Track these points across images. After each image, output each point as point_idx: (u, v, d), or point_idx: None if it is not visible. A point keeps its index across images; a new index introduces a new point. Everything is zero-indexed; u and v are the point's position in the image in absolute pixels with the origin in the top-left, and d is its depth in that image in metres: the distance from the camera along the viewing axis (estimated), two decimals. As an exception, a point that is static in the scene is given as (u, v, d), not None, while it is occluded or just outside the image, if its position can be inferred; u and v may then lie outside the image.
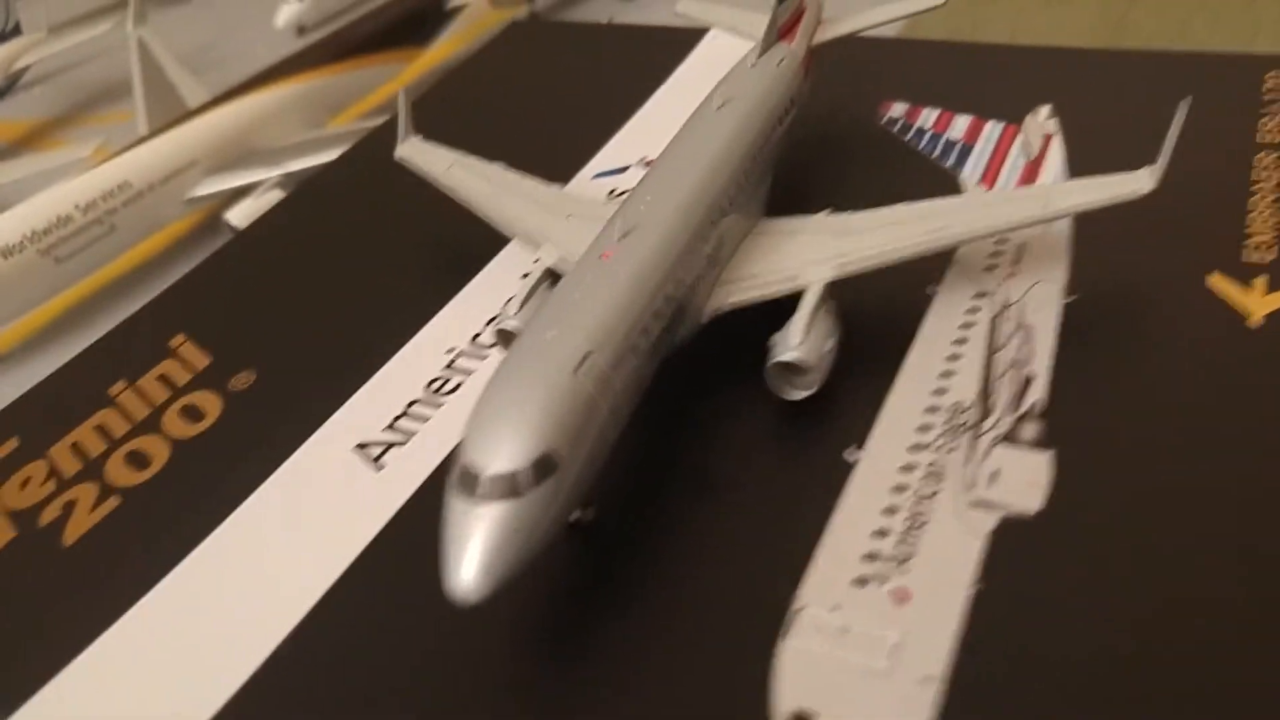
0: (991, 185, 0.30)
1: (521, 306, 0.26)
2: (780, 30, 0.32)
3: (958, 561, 0.20)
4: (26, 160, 0.61)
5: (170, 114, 0.58)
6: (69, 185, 0.49)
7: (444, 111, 0.39)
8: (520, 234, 0.28)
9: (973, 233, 0.25)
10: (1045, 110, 0.33)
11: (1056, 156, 0.31)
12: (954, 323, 0.25)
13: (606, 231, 0.24)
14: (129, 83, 0.61)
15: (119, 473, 0.26)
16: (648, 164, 0.34)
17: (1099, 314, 0.25)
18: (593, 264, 0.23)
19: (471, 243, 0.31)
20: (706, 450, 0.23)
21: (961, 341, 0.25)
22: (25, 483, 0.26)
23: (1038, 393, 0.23)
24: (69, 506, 0.25)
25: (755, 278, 0.25)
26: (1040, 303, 0.25)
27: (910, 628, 0.19)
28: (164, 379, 0.29)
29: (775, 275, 0.25)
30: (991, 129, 0.33)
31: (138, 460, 0.26)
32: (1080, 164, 0.30)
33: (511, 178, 0.30)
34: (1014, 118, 0.33)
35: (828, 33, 0.33)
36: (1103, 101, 0.33)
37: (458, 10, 0.67)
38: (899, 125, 0.34)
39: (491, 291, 0.29)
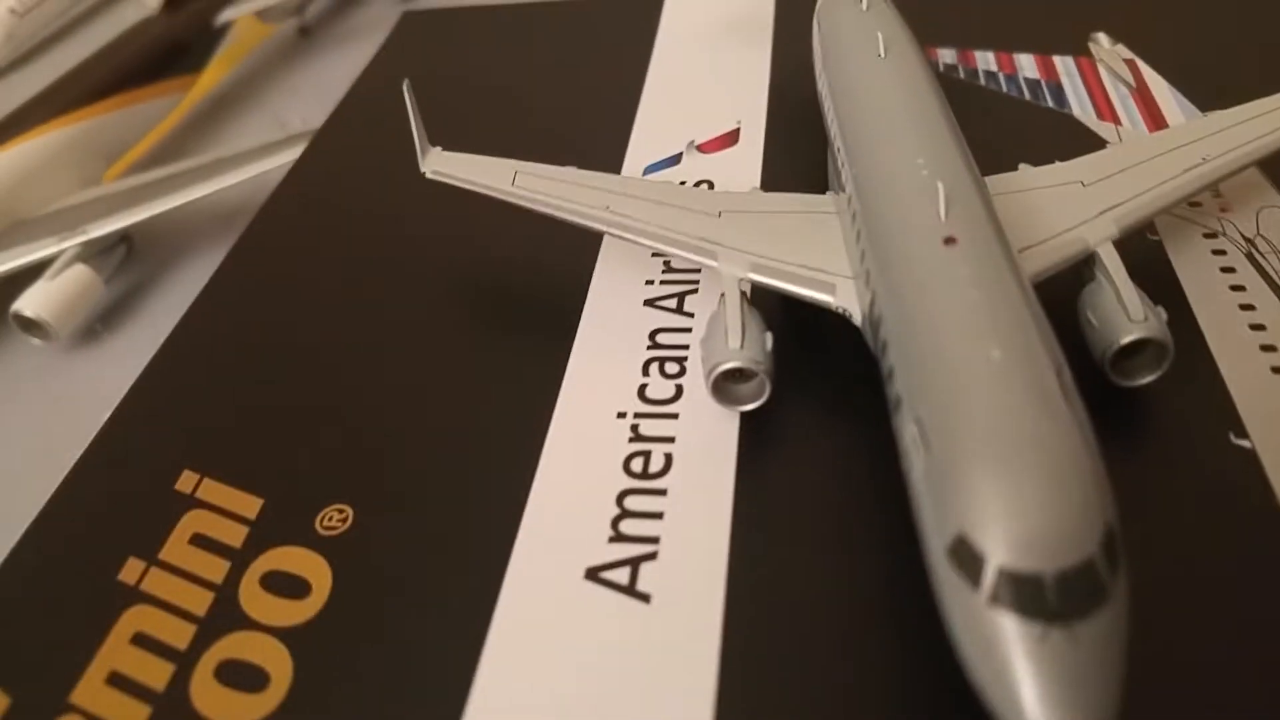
0: (1113, 118, 0.27)
1: (743, 338, 0.19)
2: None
3: None
4: None
5: None
6: None
7: (383, 124, 0.30)
8: (669, 244, 0.22)
9: (1247, 156, 0.21)
10: (1104, 37, 0.31)
11: (1160, 82, 0.28)
12: (1213, 267, 0.22)
13: (898, 210, 0.18)
14: None
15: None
16: (700, 149, 0.28)
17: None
18: (941, 254, 0.17)
19: (545, 268, 0.24)
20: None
21: (1239, 288, 0.21)
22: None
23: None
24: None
25: (1041, 243, 0.20)
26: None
27: None
28: (199, 540, 0.19)
29: (1052, 243, 0.20)
30: (1065, 63, 0.30)
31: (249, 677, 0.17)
32: (1186, 87, 0.28)
33: (601, 178, 0.23)
34: (1075, 50, 0.30)
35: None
36: (1149, 20, 0.31)
37: (224, 29, 0.57)
38: (960, 72, 0.30)
39: (619, 330, 0.23)
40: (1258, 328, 0.21)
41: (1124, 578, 0.13)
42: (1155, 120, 0.27)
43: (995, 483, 0.13)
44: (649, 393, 0.21)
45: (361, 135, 0.31)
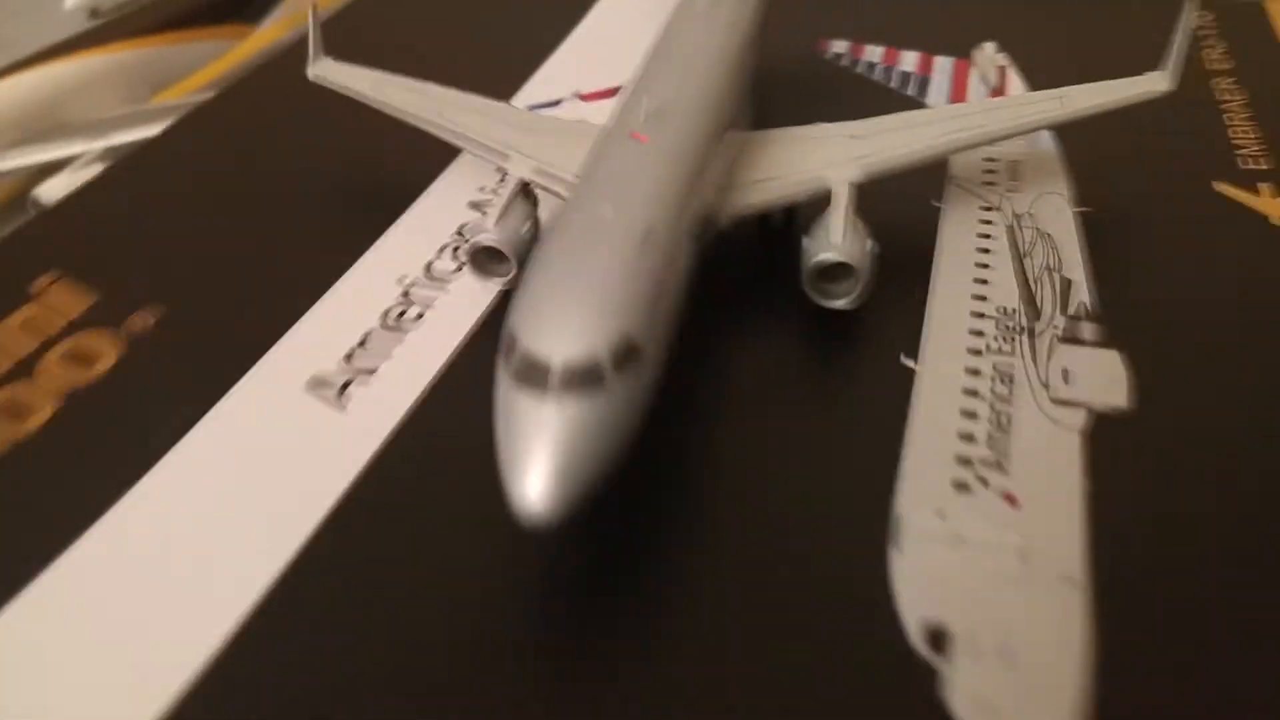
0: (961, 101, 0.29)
1: (499, 220, 0.22)
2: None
3: (1060, 461, 0.18)
4: None
5: None
6: None
7: (348, 41, 0.34)
8: (479, 147, 0.25)
9: (994, 133, 0.23)
10: (990, 46, 0.32)
11: (1017, 85, 0.30)
12: (972, 232, 0.24)
13: (623, 118, 0.21)
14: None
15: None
16: (582, 97, 0.31)
17: (1115, 222, 0.24)
18: (625, 144, 0.20)
19: (402, 170, 0.27)
20: (756, 363, 0.21)
21: (986, 251, 0.23)
22: None
23: (1082, 295, 0.22)
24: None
25: (775, 179, 0.22)
26: (1052, 214, 0.24)
27: (1031, 531, 0.17)
28: (28, 325, 0.23)
29: (796, 176, 0.22)
30: (943, 62, 0.32)
31: (14, 412, 0.20)
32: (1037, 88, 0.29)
33: (454, 94, 0.26)
34: (960, 53, 0.32)
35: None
36: (1039, 34, 0.33)
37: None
38: (845, 60, 0.32)
39: (436, 218, 0.26)
40: (980, 281, 0.22)
41: (631, 381, 0.15)
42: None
43: (537, 292, 0.16)
44: (433, 268, 0.24)
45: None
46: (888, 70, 0.32)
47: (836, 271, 0.21)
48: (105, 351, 0.22)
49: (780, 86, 0.31)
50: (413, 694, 0.15)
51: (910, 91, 0.30)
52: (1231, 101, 0.28)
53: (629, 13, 0.36)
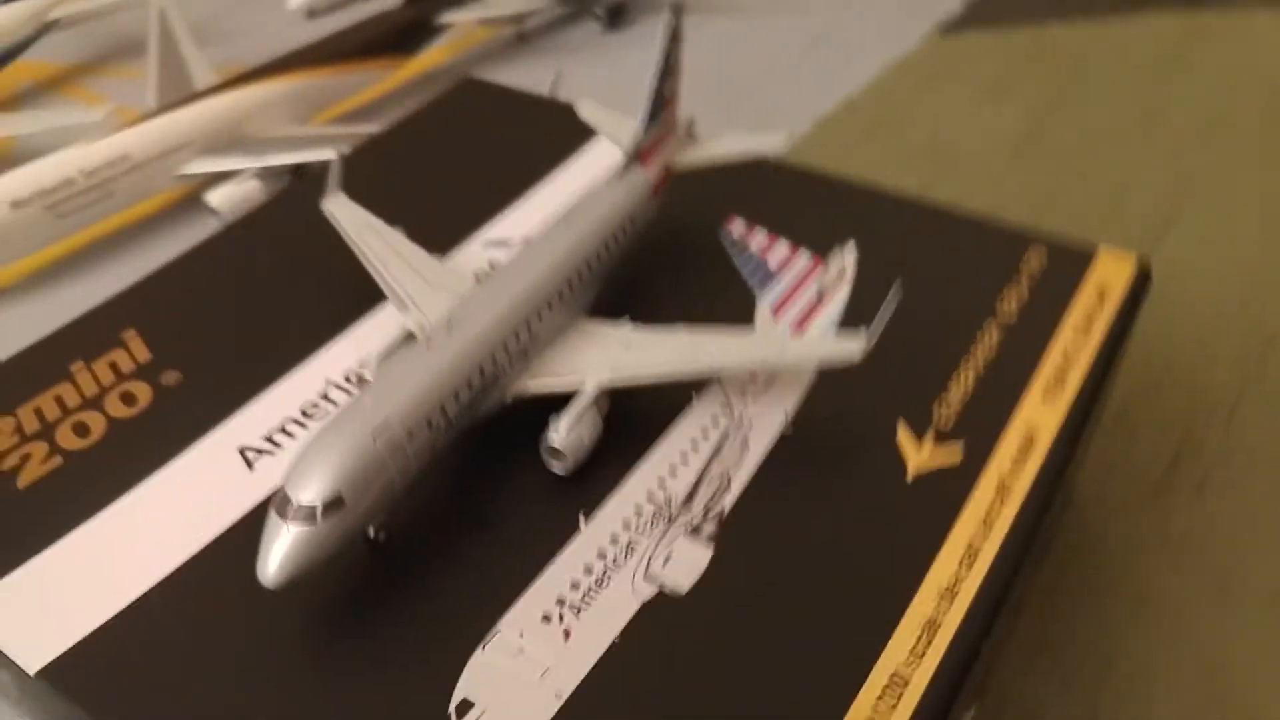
0: (779, 314, 0.38)
1: (379, 362, 0.34)
2: (641, 152, 0.39)
3: (615, 618, 0.28)
4: (46, 114, 0.71)
5: (176, 87, 0.67)
6: (77, 152, 0.59)
7: (377, 163, 0.46)
8: (395, 296, 0.36)
9: (721, 367, 0.32)
10: (851, 248, 0.40)
11: (840, 298, 0.38)
12: (697, 428, 0.33)
13: (441, 323, 0.32)
14: (146, 43, 0.69)
15: (65, 438, 0.34)
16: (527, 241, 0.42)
17: (801, 447, 0.33)
18: (417, 349, 0.31)
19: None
20: (487, 498, 0.32)
21: (695, 448, 0.33)
22: (-3, 433, 0.35)
23: (727, 500, 0.31)
24: (25, 458, 0.34)
25: (552, 373, 0.33)
26: (765, 429, 0.33)
27: (562, 659, 0.27)
28: (113, 365, 0.37)
29: (566, 372, 0.33)
30: (801, 259, 0.40)
31: (80, 430, 0.35)
32: (856, 308, 0.38)
33: (407, 246, 0.38)
34: (825, 250, 0.40)
35: (683, 159, 0.41)
36: (904, 252, 0.40)
37: (445, 28, 0.75)
38: (733, 242, 0.41)
39: (378, 336, 0.38)
40: (671, 473, 0.32)
41: (335, 522, 0.27)
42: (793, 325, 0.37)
43: (305, 447, 0.27)
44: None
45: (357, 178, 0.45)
46: (753, 260, 0.40)
47: (557, 451, 0.31)
48: (142, 398, 0.36)
49: (659, 266, 0.40)
50: None
51: (756, 286, 0.39)
52: (977, 349, 0.36)
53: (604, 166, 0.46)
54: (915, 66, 0.80)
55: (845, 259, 0.40)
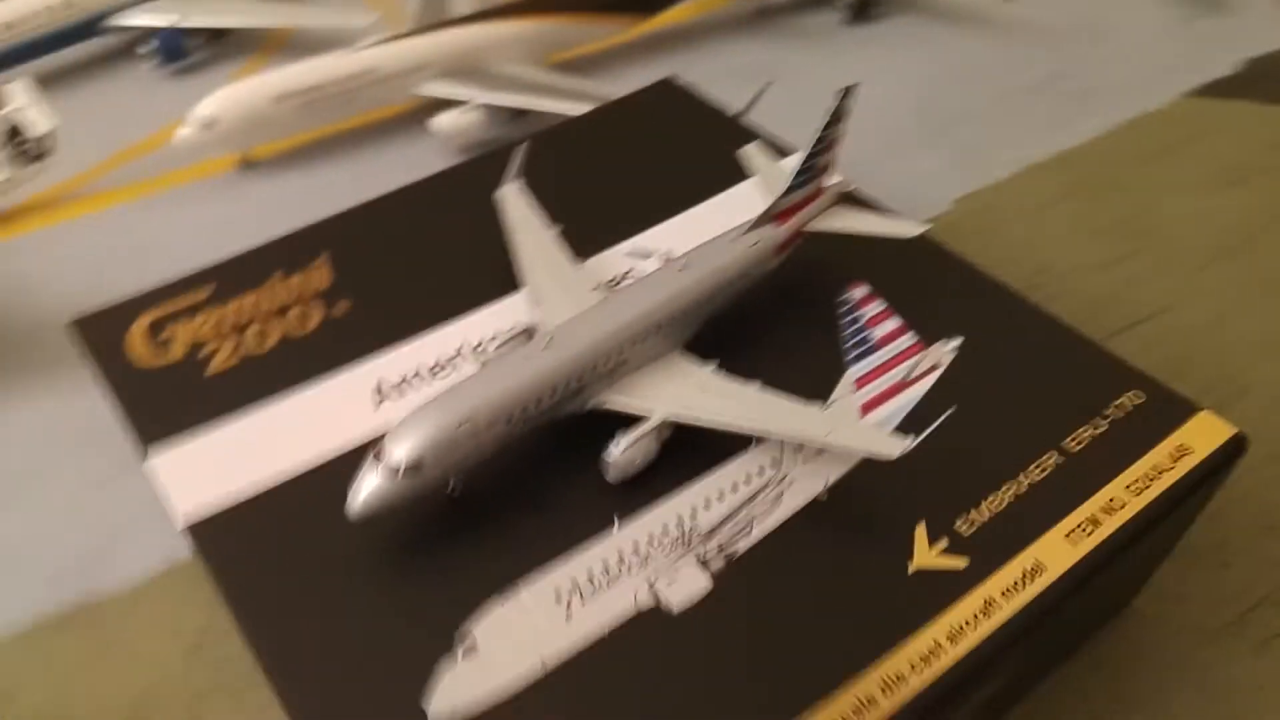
0: (860, 387, 0.41)
1: (497, 347, 0.40)
2: (778, 213, 0.43)
3: (612, 615, 0.33)
4: (326, 12, 0.83)
5: (433, 13, 0.75)
6: (334, 60, 0.68)
7: (557, 152, 0.52)
8: (530, 292, 0.42)
9: (772, 432, 0.36)
10: (953, 343, 0.43)
11: (920, 389, 0.41)
12: (744, 472, 0.37)
13: (551, 333, 0.37)
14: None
15: (249, 342, 0.43)
16: (667, 260, 0.46)
17: (827, 515, 0.36)
18: (523, 354, 0.36)
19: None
20: (547, 482, 0.37)
21: (735, 489, 0.37)
22: (203, 322, 0.43)
23: (742, 544, 0.35)
24: (216, 351, 0.42)
25: (630, 396, 0.38)
26: (802, 490, 0.37)
27: (558, 634, 0.32)
28: (301, 284, 0.45)
29: (642, 399, 0.38)
30: (905, 339, 0.43)
31: (260, 337, 0.43)
32: (936, 402, 0.40)
33: (554, 248, 0.44)
34: (931, 336, 0.43)
35: (819, 224, 0.44)
36: (1006, 357, 0.41)
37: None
38: (848, 306, 0.44)
39: (515, 316, 0.43)
40: (705, 505, 0.37)
41: (413, 480, 0.33)
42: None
43: (404, 421, 0.34)
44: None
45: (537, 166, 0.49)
46: (860, 331, 0.43)
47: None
48: (313, 321, 0.43)
49: (769, 317, 0.43)
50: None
51: (849, 358, 0.42)
52: (1030, 474, 0.38)
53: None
54: (1149, 129, 0.77)
55: (943, 351, 0.42)
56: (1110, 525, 0.36)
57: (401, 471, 0.33)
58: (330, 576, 0.34)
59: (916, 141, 0.75)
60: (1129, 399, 0.40)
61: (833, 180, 0.45)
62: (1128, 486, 0.37)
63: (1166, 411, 0.40)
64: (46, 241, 0.68)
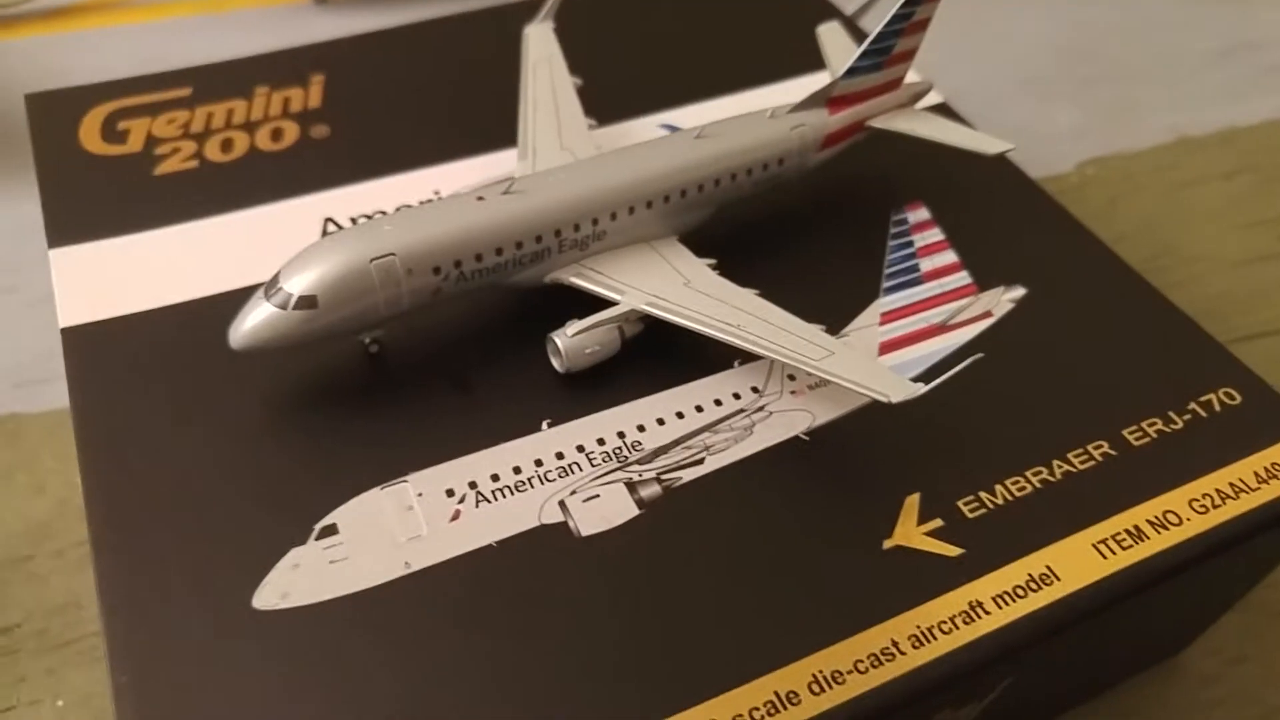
0: (888, 322, 0.34)
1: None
2: (833, 98, 0.35)
3: (505, 526, 0.27)
4: None
5: None
6: None
7: (602, 5, 0.45)
8: (522, 141, 0.36)
9: (752, 349, 0.29)
10: (1016, 291, 0.35)
11: (963, 336, 0.33)
12: (715, 393, 0.31)
13: (506, 180, 0.31)
14: None
15: (210, 148, 0.38)
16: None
17: (801, 460, 0.29)
18: (465, 198, 0.30)
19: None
20: (480, 360, 0.31)
21: (699, 410, 0.30)
22: (170, 120, 0.39)
23: (687, 475, 0.29)
24: (174, 150, 0.37)
25: (600, 275, 0.32)
26: (781, 425, 0.30)
27: (435, 535, 0.27)
28: (286, 100, 0.40)
29: (611, 281, 0.31)
30: (957, 278, 0.35)
31: (225, 146, 0.38)
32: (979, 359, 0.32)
33: (568, 98, 0.37)
34: (987, 284, 0.35)
35: (887, 122, 0.36)
36: (1080, 319, 0.34)
37: None
38: (901, 228, 0.37)
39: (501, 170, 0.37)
40: (679, 414, 0.30)
41: (304, 318, 0.27)
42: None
43: (306, 249, 0.28)
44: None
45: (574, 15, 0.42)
46: (909, 258, 0.36)
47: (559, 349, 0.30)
48: (287, 139, 0.38)
49: (806, 219, 0.36)
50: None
51: (890, 284, 0.35)
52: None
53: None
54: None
55: (1002, 299, 0.34)
56: (1157, 543, 0.28)
57: (292, 303, 0.27)
58: (197, 423, 0.29)
59: (1054, 90, 0.65)
60: (1220, 396, 0.32)
61: (913, 81, 0.38)
62: (1192, 501, 0.29)
63: (1265, 419, 0.31)
64: (98, 42, 0.65)
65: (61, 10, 0.67)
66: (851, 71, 0.35)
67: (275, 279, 0.28)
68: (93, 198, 0.35)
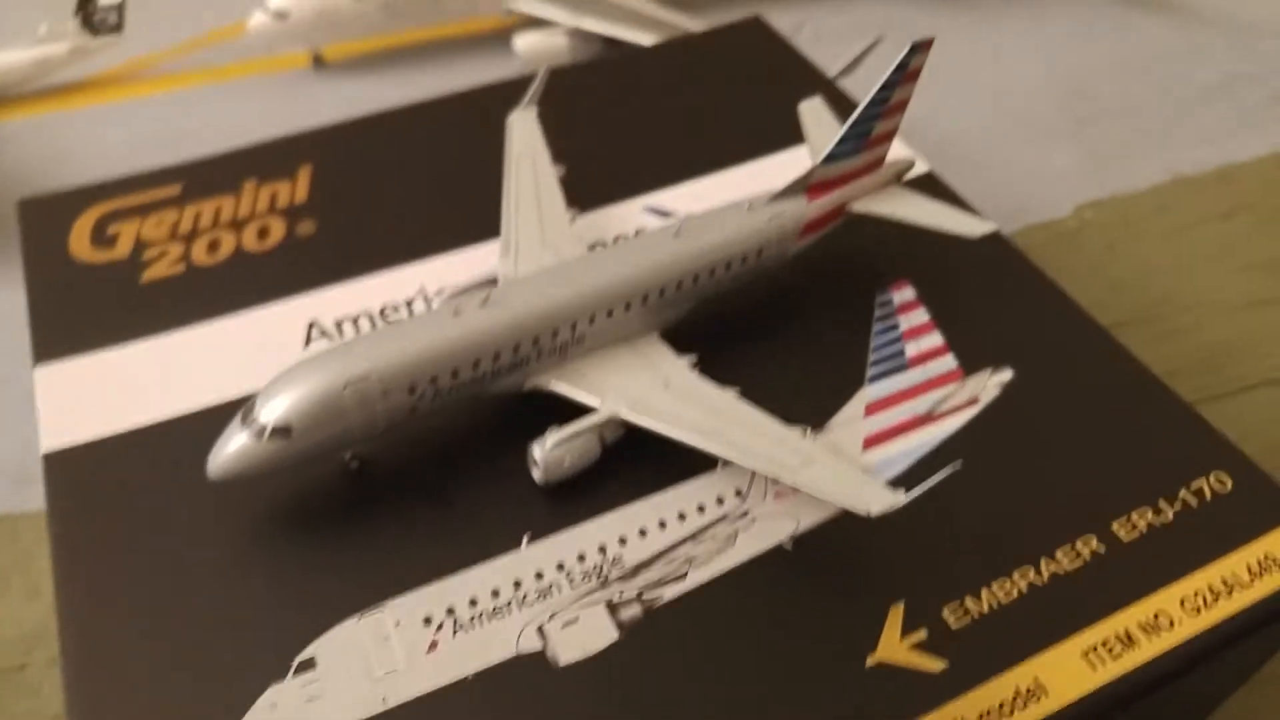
0: (873, 414, 0.33)
1: (456, 295, 0.34)
2: (813, 185, 0.35)
3: (483, 656, 0.27)
4: None
5: None
6: None
7: (609, 81, 0.45)
8: (505, 237, 0.35)
9: (732, 458, 0.29)
10: (1003, 375, 0.34)
11: (947, 427, 0.33)
12: (698, 500, 0.30)
13: (483, 291, 0.31)
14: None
15: (197, 250, 0.38)
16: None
17: (785, 570, 0.29)
18: (441, 313, 0.30)
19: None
20: (459, 475, 0.31)
21: (681, 519, 0.30)
22: (159, 222, 0.39)
23: (669, 592, 0.29)
24: (161, 254, 0.38)
25: (578, 380, 0.31)
26: (764, 533, 0.30)
27: (413, 668, 0.26)
28: (274, 194, 0.40)
29: (590, 387, 0.31)
30: (943, 362, 0.35)
31: (211, 247, 0.38)
32: (966, 448, 0.32)
33: (551, 191, 0.37)
34: (974, 366, 0.35)
35: (867, 205, 0.36)
36: (1069, 404, 0.33)
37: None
38: (885, 310, 0.37)
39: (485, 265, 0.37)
40: (640, 534, 0.30)
41: (280, 447, 0.27)
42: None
43: (280, 375, 0.28)
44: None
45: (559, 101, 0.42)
46: (894, 343, 0.35)
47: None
48: (273, 238, 0.38)
49: (791, 303, 0.36)
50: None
51: (873, 373, 0.34)
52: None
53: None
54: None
55: (988, 384, 0.34)
56: (1148, 650, 0.28)
57: (266, 434, 0.28)
58: (176, 550, 0.29)
59: (1051, 131, 0.65)
60: (1211, 482, 0.31)
61: (897, 158, 0.37)
62: (1183, 600, 0.29)
63: (1258, 506, 0.30)
64: (103, 117, 0.66)
65: (66, 88, 0.68)
66: (830, 157, 0.34)
67: (251, 406, 0.28)
68: (79, 308, 0.36)
